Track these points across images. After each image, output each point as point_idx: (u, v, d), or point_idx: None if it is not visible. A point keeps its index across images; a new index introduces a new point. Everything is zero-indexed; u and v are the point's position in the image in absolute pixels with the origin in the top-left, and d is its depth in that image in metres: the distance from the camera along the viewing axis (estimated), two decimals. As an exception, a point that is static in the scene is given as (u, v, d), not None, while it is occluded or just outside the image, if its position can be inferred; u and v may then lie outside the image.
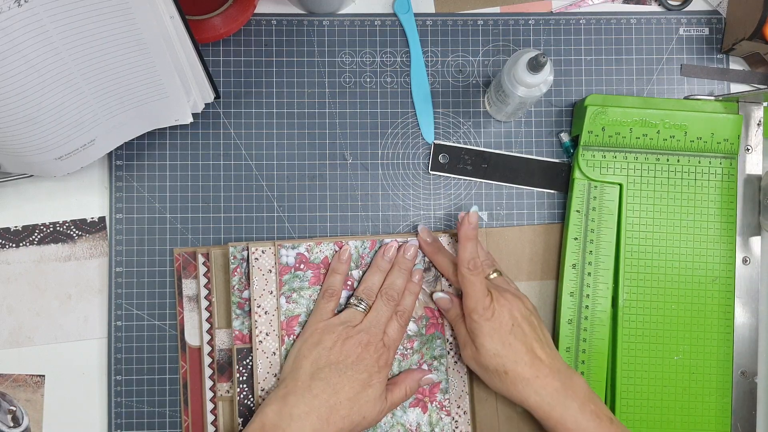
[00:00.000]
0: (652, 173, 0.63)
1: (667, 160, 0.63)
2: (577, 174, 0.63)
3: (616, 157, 0.63)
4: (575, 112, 0.66)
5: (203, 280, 0.64)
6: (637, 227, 0.63)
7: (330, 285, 0.61)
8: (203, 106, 0.62)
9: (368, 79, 0.67)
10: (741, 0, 0.65)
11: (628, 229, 0.63)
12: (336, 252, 0.62)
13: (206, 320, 0.64)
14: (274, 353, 0.62)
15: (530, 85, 0.57)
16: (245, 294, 0.63)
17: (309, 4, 0.66)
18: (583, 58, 0.67)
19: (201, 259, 0.64)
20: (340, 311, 0.61)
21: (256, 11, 0.66)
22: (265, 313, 0.62)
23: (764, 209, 0.63)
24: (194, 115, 0.63)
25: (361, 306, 0.60)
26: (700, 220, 0.63)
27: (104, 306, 0.66)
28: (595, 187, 0.63)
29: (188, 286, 0.65)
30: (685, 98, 0.67)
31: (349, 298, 0.62)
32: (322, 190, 0.67)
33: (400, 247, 0.63)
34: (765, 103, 0.64)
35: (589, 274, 0.63)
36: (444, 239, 0.64)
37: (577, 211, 0.63)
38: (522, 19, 0.67)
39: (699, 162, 0.63)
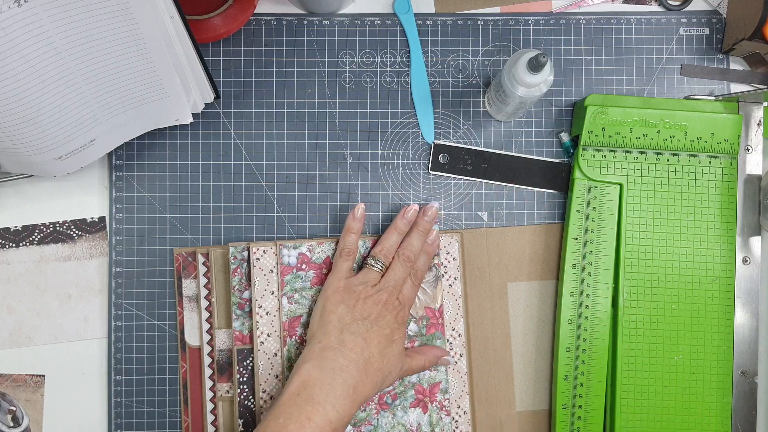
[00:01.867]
0: (652, 173, 0.63)
1: (667, 160, 0.63)
2: (577, 174, 0.64)
3: (616, 157, 0.63)
4: (575, 112, 0.66)
5: (203, 280, 0.64)
6: (637, 227, 0.63)
7: (346, 244, 0.62)
8: (203, 106, 0.62)
9: (368, 79, 0.67)
10: (741, 0, 0.65)
11: (628, 229, 0.63)
12: (351, 210, 0.63)
13: (206, 320, 0.64)
14: (276, 354, 0.62)
15: (530, 85, 0.57)
16: (245, 294, 0.63)
17: (309, 4, 0.66)
18: (583, 58, 0.67)
19: (201, 259, 0.64)
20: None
21: (256, 11, 0.66)
22: (267, 313, 0.62)
23: (764, 209, 0.63)
24: (194, 115, 0.63)
25: (378, 266, 0.61)
26: (700, 220, 0.63)
27: (104, 306, 0.66)
28: (596, 187, 0.63)
29: (188, 286, 0.65)
30: (685, 98, 0.67)
31: (365, 258, 0.63)
32: (322, 190, 0.67)
33: (421, 209, 0.63)
34: (765, 103, 0.64)
35: (589, 274, 0.63)
36: (445, 238, 0.64)
37: (578, 211, 0.63)
38: (522, 19, 0.67)
39: (699, 162, 0.63)
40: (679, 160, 0.63)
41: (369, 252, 0.63)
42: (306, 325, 0.62)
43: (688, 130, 0.63)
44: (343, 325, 0.58)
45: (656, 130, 0.63)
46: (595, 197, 0.63)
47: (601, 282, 0.63)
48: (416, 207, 0.63)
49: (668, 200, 0.63)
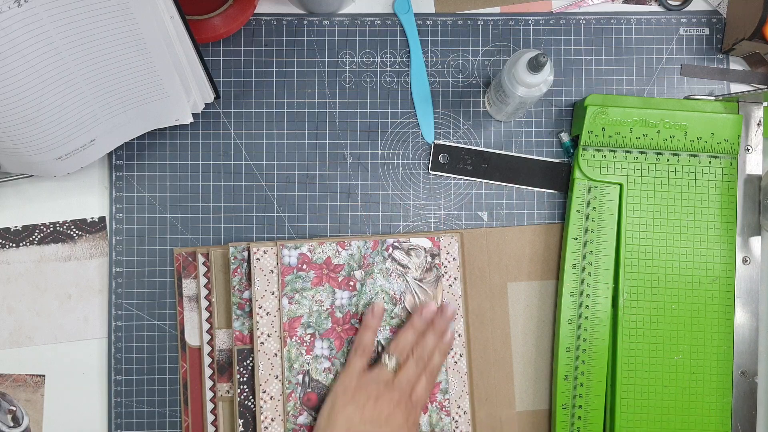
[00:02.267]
0: (652, 173, 0.63)
1: (667, 160, 0.63)
2: (577, 174, 0.64)
3: (616, 157, 0.63)
4: (575, 112, 0.66)
5: (203, 280, 0.64)
6: (637, 227, 0.63)
7: (362, 341, 0.61)
8: (203, 106, 0.62)
9: (368, 79, 0.67)
10: (741, 0, 0.65)
11: (628, 229, 0.63)
12: (369, 308, 0.62)
13: (206, 320, 0.64)
14: (276, 354, 0.62)
15: (530, 85, 0.57)
16: (245, 294, 0.63)
17: (309, 4, 0.66)
18: (583, 58, 0.67)
19: (201, 259, 0.64)
20: (342, 315, 0.61)
21: (256, 11, 0.66)
22: (267, 314, 0.62)
23: (764, 209, 0.63)
24: (194, 115, 0.63)
25: (392, 363, 0.60)
26: (700, 220, 0.63)
27: (104, 306, 0.66)
28: (596, 187, 0.63)
29: (188, 286, 0.65)
30: (685, 98, 0.67)
31: (378, 355, 0.61)
32: (322, 190, 0.67)
33: (439, 308, 0.62)
34: (765, 103, 0.64)
35: (589, 274, 0.63)
36: (445, 239, 0.64)
37: (578, 211, 0.63)
38: (522, 19, 0.67)
39: (699, 162, 0.63)
40: (679, 160, 0.63)
41: (384, 347, 0.62)
42: (306, 326, 0.62)
43: (688, 130, 0.63)
44: (349, 425, 0.57)
45: (656, 130, 0.63)
46: (595, 197, 0.63)
47: (601, 282, 0.63)
48: (434, 307, 0.62)
49: (668, 200, 0.63)
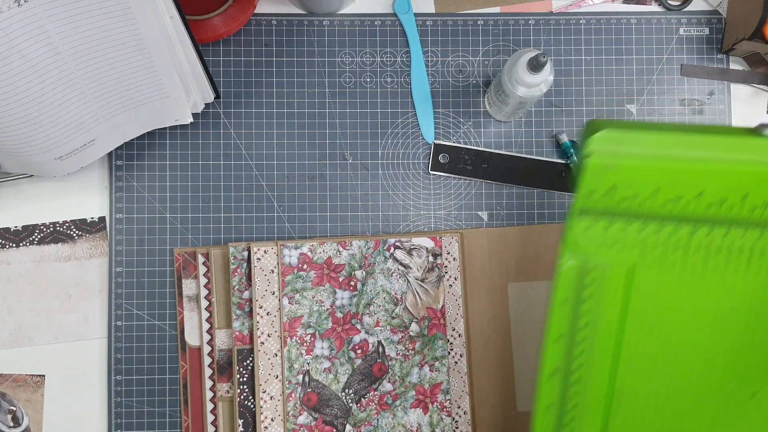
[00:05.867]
0: (681, 251, 0.42)
1: (709, 233, 0.42)
2: (566, 254, 0.43)
3: (626, 228, 0.42)
4: (584, 135, 0.44)
5: (203, 280, 0.64)
6: (647, 331, 0.43)
7: None
8: (203, 106, 0.62)
9: (368, 79, 0.67)
10: (741, 0, 0.65)
11: (634, 335, 0.43)
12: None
13: (206, 320, 0.64)
14: (276, 354, 0.62)
15: (530, 85, 0.57)
16: (245, 295, 0.63)
17: (309, 4, 0.66)
18: (583, 58, 0.67)
19: (201, 259, 0.64)
20: (343, 315, 0.62)
21: (256, 11, 0.66)
22: (267, 314, 0.62)
23: None
24: (194, 115, 0.63)
25: None
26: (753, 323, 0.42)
27: (104, 306, 0.66)
28: (593, 268, 0.43)
29: (188, 286, 0.65)
30: (755, 129, 0.42)
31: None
32: (322, 190, 0.67)
33: None
34: None
35: (573, 388, 0.45)
36: (446, 238, 0.64)
37: (563, 302, 0.44)
38: (522, 19, 0.67)
39: (760, 236, 0.41)
40: (728, 234, 0.41)
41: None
42: (306, 326, 0.62)
43: (752, 192, 0.40)
44: None
45: (698, 192, 0.41)
46: (592, 281, 0.43)
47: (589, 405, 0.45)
48: None
49: (702, 291, 0.42)
